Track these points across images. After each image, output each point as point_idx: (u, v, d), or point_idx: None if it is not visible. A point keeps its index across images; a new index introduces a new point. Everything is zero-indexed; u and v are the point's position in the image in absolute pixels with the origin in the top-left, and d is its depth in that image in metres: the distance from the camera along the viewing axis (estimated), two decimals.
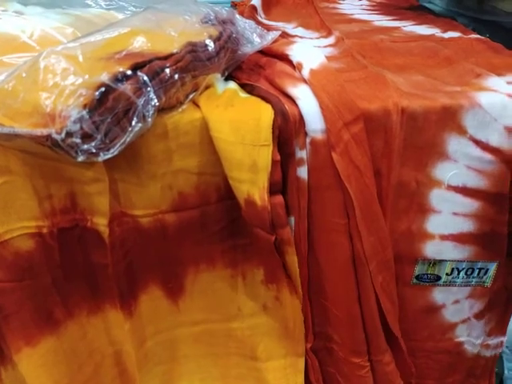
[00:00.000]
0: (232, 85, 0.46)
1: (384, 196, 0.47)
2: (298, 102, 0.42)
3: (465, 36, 0.64)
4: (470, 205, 0.49)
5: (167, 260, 0.48)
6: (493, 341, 0.59)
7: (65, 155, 0.33)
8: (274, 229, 0.44)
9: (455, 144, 0.46)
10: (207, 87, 0.44)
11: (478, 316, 0.56)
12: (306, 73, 0.43)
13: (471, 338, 0.58)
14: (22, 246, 0.41)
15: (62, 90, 0.30)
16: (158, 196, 0.44)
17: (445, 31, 0.66)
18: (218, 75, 0.44)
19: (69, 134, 0.30)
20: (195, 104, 0.43)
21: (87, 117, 0.30)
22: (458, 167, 0.47)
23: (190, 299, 0.51)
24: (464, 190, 0.48)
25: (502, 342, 0.59)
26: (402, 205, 0.49)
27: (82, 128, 0.30)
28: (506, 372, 0.69)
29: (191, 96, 0.41)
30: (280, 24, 0.72)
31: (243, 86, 0.46)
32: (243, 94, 0.45)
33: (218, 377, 0.56)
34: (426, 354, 0.59)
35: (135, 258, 0.47)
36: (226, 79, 0.47)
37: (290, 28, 0.70)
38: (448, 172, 0.47)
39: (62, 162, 0.39)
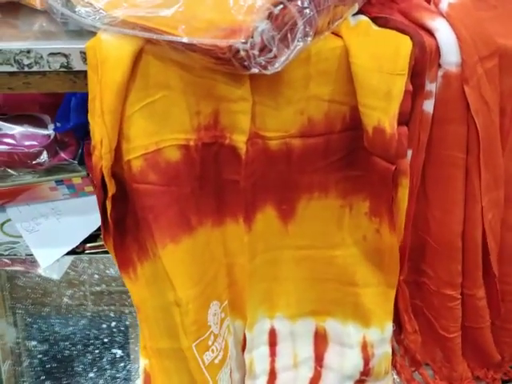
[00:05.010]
0: (364, 18, 0.48)
1: (505, 135, 0.48)
2: (437, 34, 0.44)
3: None
4: None
5: (286, 183, 0.52)
6: None
7: (236, 68, 0.36)
8: (395, 159, 0.47)
9: None
10: (344, 19, 0.46)
11: None
12: (444, 6, 0.45)
13: None
14: (171, 156, 0.46)
15: (252, 4, 0.33)
16: (289, 120, 0.47)
17: None
18: (356, 6, 0.46)
19: (252, 45, 0.33)
20: (334, 34, 0.45)
21: (268, 30, 0.33)
22: None
23: (298, 224, 0.55)
24: None
25: None
26: None
27: (262, 40, 0.33)
28: None
29: (335, 24, 0.43)
30: None
31: (373, 20, 0.48)
32: (375, 27, 0.47)
33: (314, 299, 0.60)
34: None
35: (259, 178, 0.51)
36: (355, 14, 0.49)
37: None
38: None
39: (217, 80, 0.43)
